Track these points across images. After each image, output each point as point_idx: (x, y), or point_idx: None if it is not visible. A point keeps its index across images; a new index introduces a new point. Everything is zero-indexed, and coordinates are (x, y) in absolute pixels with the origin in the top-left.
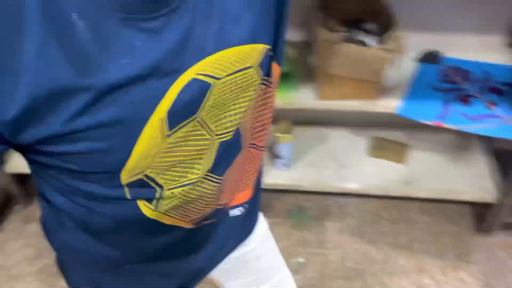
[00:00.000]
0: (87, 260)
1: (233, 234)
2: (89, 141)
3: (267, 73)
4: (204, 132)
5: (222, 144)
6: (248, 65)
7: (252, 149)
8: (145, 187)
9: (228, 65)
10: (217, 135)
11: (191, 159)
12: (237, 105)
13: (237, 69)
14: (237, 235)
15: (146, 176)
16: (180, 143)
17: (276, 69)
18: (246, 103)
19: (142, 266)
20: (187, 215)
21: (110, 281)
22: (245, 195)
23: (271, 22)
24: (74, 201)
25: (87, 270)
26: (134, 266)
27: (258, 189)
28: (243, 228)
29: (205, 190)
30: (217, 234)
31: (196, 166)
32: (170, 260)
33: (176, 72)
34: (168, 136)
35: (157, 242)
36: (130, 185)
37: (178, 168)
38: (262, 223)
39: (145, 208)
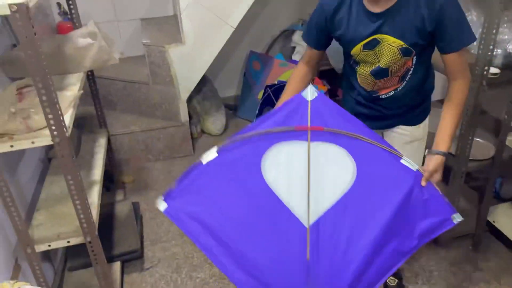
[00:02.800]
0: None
1: (387, 109)
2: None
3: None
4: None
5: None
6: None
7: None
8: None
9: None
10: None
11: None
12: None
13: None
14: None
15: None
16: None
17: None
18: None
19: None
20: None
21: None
22: (389, 90)
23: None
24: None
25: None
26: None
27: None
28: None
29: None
30: (380, 103)
31: (368, 68)
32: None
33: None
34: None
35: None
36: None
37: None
38: (422, 129)
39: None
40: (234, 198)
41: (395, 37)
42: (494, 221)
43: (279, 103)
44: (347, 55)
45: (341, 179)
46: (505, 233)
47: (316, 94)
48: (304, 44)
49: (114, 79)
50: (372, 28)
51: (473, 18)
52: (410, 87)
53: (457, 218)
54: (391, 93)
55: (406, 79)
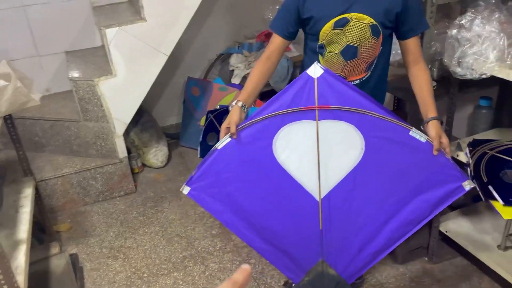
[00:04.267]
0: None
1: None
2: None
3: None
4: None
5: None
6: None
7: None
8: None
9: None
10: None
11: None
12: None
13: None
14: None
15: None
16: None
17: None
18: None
19: None
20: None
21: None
22: (356, 77)
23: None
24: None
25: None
26: None
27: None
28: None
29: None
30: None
31: (338, 48)
32: None
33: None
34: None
35: None
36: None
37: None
38: None
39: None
40: (250, 178)
41: (366, 14)
42: (446, 231)
43: (241, 96)
44: (314, 41)
45: (350, 154)
46: (457, 242)
47: (322, 71)
48: (242, 66)
49: (39, 118)
50: (344, 6)
51: None
52: (374, 78)
53: (469, 185)
54: (357, 82)
55: (371, 70)
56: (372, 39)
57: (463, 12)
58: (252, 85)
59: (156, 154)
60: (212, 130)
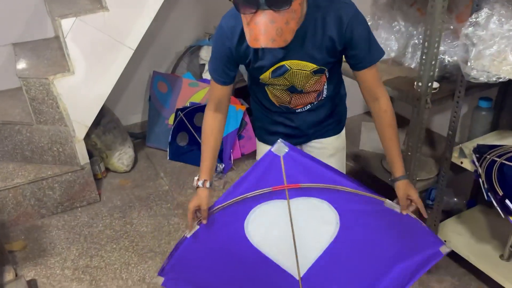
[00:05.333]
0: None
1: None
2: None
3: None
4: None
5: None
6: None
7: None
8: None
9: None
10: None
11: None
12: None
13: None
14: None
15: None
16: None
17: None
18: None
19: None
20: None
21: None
22: (305, 105)
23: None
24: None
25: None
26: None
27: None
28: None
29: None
30: (296, 119)
31: (282, 87)
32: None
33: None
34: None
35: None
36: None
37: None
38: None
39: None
40: (225, 265)
41: (306, 61)
42: (445, 241)
43: (203, 167)
44: (256, 76)
45: (325, 230)
46: (459, 253)
47: (287, 148)
48: None
49: None
50: (280, 54)
51: (401, 28)
52: (325, 99)
53: (446, 249)
54: (308, 107)
55: (324, 95)
56: (317, 77)
57: (475, 8)
58: (210, 153)
59: (121, 158)
60: (182, 129)
